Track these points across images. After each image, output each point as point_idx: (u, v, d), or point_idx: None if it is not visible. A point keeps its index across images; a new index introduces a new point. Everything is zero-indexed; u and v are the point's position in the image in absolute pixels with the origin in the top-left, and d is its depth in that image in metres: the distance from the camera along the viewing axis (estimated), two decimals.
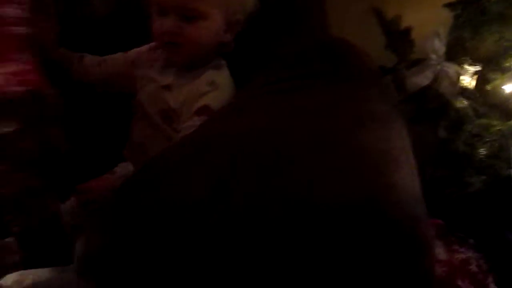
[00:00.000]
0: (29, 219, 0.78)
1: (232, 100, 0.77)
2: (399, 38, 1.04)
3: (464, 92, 0.95)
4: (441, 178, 1.05)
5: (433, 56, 0.98)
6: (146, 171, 0.56)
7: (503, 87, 0.97)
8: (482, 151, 0.96)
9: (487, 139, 0.95)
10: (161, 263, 0.46)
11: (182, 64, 0.86)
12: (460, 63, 0.96)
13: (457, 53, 0.97)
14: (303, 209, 0.45)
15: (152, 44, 0.92)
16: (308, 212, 0.45)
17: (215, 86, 0.82)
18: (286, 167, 0.49)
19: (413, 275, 0.48)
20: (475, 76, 1.00)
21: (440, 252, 0.96)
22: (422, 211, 0.51)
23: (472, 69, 0.95)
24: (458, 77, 0.95)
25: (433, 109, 1.00)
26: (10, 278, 0.69)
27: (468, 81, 0.96)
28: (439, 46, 0.97)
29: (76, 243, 0.56)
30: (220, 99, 0.81)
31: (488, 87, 0.97)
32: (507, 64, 0.97)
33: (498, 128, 0.93)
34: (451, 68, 0.96)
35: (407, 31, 1.05)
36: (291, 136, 0.53)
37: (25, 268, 0.72)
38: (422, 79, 0.98)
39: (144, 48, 0.93)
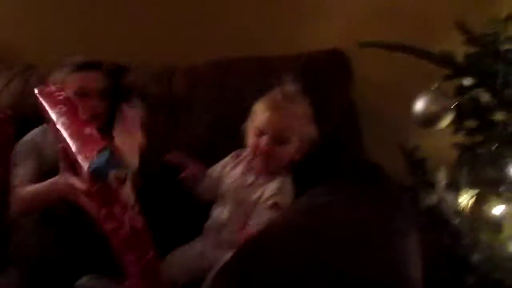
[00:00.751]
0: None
1: (301, 201, 1.11)
2: (416, 165, 1.37)
3: (460, 213, 1.27)
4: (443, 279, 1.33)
5: (438, 185, 1.32)
6: (255, 244, 0.90)
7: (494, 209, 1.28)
8: (476, 257, 1.26)
9: (480, 248, 1.26)
10: None
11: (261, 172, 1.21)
12: (458, 191, 1.29)
13: (456, 183, 1.30)
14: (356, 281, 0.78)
15: (233, 154, 1.29)
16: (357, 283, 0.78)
17: (284, 190, 1.18)
18: (346, 256, 0.82)
19: None
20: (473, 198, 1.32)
21: None
22: None
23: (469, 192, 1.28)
24: (455, 202, 1.28)
25: (438, 222, 1.32)
26: None
27: (466, 201, 1.28)
28: (442, 178, 1.31)
29: None
30: (286, 198, 1.16)
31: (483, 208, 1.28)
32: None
33: (488, 240, 1.24)
34: (450, 195, 1.29)
35: (423, 161, 1.39)
36: (346, 234, 0.88)
37: None
38: (429, 201, 1.30)
39: (228, 158, 1.29)
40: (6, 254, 1.25)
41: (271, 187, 1.17)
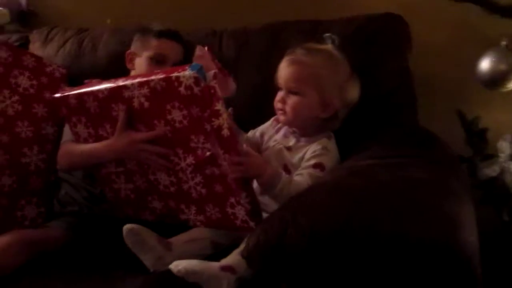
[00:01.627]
0: None
1: (349, 163, 1.06)
2: (476, 136, 1.29)
3: None
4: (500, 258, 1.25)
5: (502, 155, 1.22)
6: (305, 197, 0.87)
7: None
8: None
9: None
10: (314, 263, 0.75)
11: (294, 129, 1.18)
12: None
13: None
14: (404, 241, 0.73)
15: (274, 118, 1.25)
16: (406, 241, 0.73)
17: (327, 150, 1.14)
18: (395, 214, 0.77)
19: None
20: None
21: None
22: (478, 259, 0.75)
23: None
24: None
25: (498, 196, 1.22)
26: (172, 264, 0.95)
27: None
28: (506, 148, 1.22)
29: (250, 237, 0.84)
30: (331, 160, 1.12)
31: None
32: None
33: None
34: None
35: (484, 131, 1.29)
36: (396, 196, 0.82)
37: None
38: (490, 171, 1.22)
39: (269, 122, 1.27)
40: (52, 208, 1.28)
41: (314, 148, 1.14)
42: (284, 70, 1.18)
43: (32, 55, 1.36)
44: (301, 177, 1.07)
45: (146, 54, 1.36)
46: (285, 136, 1.20)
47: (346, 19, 1.40)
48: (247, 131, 1.28)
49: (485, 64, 1.16)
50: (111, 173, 1.19)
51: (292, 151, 1.17)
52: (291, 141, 1.18)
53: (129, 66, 1.42)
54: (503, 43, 1.15)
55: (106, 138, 1.14)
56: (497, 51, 1.15)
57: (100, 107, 1.12)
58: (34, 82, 1.29)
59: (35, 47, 1.66)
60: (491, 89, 1.18)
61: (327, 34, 1.22)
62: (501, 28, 1.18)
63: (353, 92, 1.19)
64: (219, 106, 0.98)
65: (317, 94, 1.14)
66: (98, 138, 1.16)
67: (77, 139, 1.20)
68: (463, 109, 1.36)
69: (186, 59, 1.39)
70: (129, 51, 1.42)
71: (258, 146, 1.24)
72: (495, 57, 1.15)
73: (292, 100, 1.16)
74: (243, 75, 1.39)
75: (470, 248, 0.74)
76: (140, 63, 1.38)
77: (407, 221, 0.76)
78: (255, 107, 1.33)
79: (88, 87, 1.15)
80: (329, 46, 1.21)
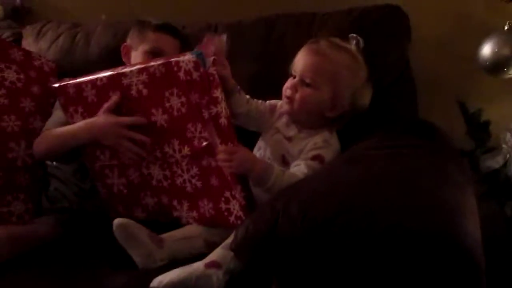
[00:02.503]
0: None
1: (347, 154, 1.02)
2: (478, 128, 1.25)
3: None
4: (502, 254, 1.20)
5: (504, 146, 1.18)
6: (297, 186, 0.83)
7: None
8: None
9: None
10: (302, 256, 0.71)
11: (297, 120, 1.13)
12: None
13: None
14: (401, 230, 0.69)
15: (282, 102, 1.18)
16: (401, 231, 0.68)
17: (328, 144, 1.10)
18: (391, 203, 0.73)
19: None
20: None
21: None
22: (480, 250, 0.71)
23: None
24: None
25: (501, 190, 1.18)
26: (155, 280, 0.90)
27: None
28: (510, 139, 1.18)
29: (238, 228, 0.80)
30: (331, 153, 1.08)
31: None
32: None
33: None
34: None
35: (487, 123, 1.25)
36: (393, 184, 0.78)
37: None
38: (494, 163, 1.18)
39: (275, 102, 1.20)
40: (40, 204, 1.25)
41: (315, 140, 1.10)
42: (304, 58, 1.12)
43: (20, 49, 1.34)
44: (298, 168, 1.04)
45: (142, 47, 1.34)
46: (287, 125, 1.16)
47: (344, 11, 1.36)
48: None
49: (487, 49, 1.12)
50: (104, 167, 1.17)
51: (292, 142, 1.13)
52: (292, 131, 1.14)
53: (124, 59, 1.40)
54: (506, 27, 1.11)
55: None
56: (500, 35, 1.11)
57: (98, 95, 1.10)
58: (22, 76, 1.27)
59: (27, 42, 1.64)
60: (493, 75, 1.14)
61: (353, 35, 1.16)
62: (502, 15, 1.14)
63: (365, 99, 1.14)
64: (218, 93, 0.97)
65: (331, 91, 1.10)
66: None
67: None
68: (465, 102, 1.32)
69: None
70: (125, 44, 1.40)
71: (263, 116, 1.18)
72: (497, 42, 1.11)
73: (303, 90, 1.10)
74: (238, 68, 1.33)
75: (472, 238, 0.70)
76: (136, 57, 1.36)
77: (403, 209, 0.71)
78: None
79: (88, 76, 1.14)
80: (352, 47, 1.15)
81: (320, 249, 0.72)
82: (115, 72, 1.07)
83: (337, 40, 1.15)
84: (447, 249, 0.68)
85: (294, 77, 1.12)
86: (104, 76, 1.09)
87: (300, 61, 1.12)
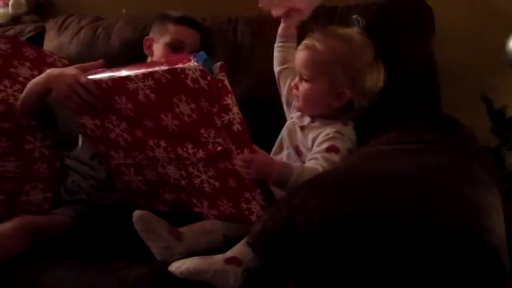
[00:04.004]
0: None
1: (366, 148, 1.00)
2: (504, 125, 1.21)
3: None
4: None
5: None
6: (315, 182, 0.82)
7: None
8: None
9: None
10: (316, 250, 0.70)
11: (308, 113, 1.14)
12: None
13: None
14: (423, 228, 0.67)
15: None
16: (423, 229, 0.67)
17: (341, 134, 1.08)
18: (412, 200, 0.71)
19: None
20: None
21: None
22: (505, 249, 0.68)
23: None
24: None
25: None
26: (174, 265, 0.91)
27: None
28: None
29: (256, 223, 0.79)
30: (345, 144, 1.06)
31: None
32: None
33: None
34: None
35: None
36: (414, 180, 0.76)
37: None
38: None
39: None
40: (59, 194, 1.26)
41: (327, 131, 1.09)
42: (298, 55, 1.14)
43: (32, 46, 1.38)
44: (316, 162, 1.02)
45: (163, 40, 1.34)
46: (301, 115, 1.17)
47: (366, 4, 1.33)
48: (259, 115, 1.23)
49: None
50: (120, 165, 1.16)
51: (305, 131, 1.13)
52: (306, 121, 1.15)
53: (147, 52, 1.40)
54: None
55: (113, 130, 1.10)
56: None
57: (104, 98, 1.07)
58: (35, 72, 1.30)
59: (50, 36, 1.66)
60: None
61: (354, 16, 1.15)
62: None
63: (371, 79, 1.11)
64: (229, 100, 0.91)
65: (327, 82, 1.09)
66: (105, 130, 1.12)
67: (84, 130, 1.17)
68: (490, 98, 1.28)
69: (204, 47, 1.36)
70: (147, 37, 1.40)
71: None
72: None
73: (303, 87, 1.12)
74: (258, 63, 1.35)
75: (497, 237, 0.67)
76: (157, 49, 1.36)
77: (425, 206, 0.69)
78: (271, 93, 1.28)
79: (94, 74, 1.10)
80: (351, 30, 1.14)
81: (338, 247, 0.70)
82: (119, 76, 1.02)
83: (330, 29, 1.15)
84: (470, 247, 0.66)
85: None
86: (109, 79, 1.04)
87: (296, 58, 1.14)
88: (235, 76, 1.39)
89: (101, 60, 1.13)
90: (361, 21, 1.14)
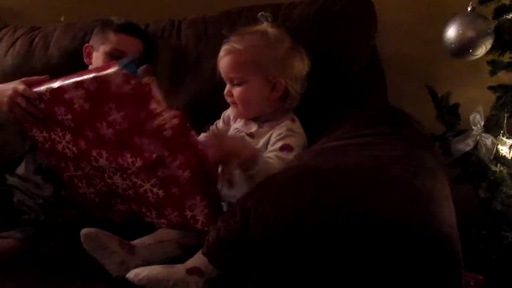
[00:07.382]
0: None
1: (317, 145, 1.01)
2: (448, 112, 1.24)
3: (500, 158, 1.14)
4: (481, 235, 1.21)
5: (474, 128, 1.18)
6: (267, 183, 0.81)
7: None
8: None
9: None
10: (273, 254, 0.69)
11: (253, 118, 1.13)
12: (497, 135, 1.15)
13: (494, 126, 1.16)
14: (376, 221, 0.67)
15: None
16: (377, 222, 0.67)
17: (293, 132, 1.08)
18: (365, 194, 0.72)
19: (447, 278, 0.67)
20: None
21: None
22: (456, 236, 0.70)
23: (509, 141, 1.14)
24: (494, 146, 1.14)
25: (474, 172, 1.19)
26: (132, 272, 0.89)
27: (506, 151, 1.14)
28: (479, 120, 1.18)
29: (210, 231, 0.77)
30: (298, 141, 1.07)
31: None
32: None
33: None
34: (488, 138, 1.16)
35: (456, 106, 1.25)
36: (366, 175, 0.77)
37: None
38: (464, 146, 1.18)
39: (230, 109, 1.21)
40: (5, 217, 1.20)
41: (278, 131, 1.08)
42: (221, 63, 1.13)
43: None
44: (270, 161, 1.01)
45: (103, 48, 1.30)
46: (246, 124, 1.15)
47: (308, 1, 1.34)
48: (209, 118, 1.22)
49: (451, 32, 1.11)
50: (72, 176, 1.12)
51: (255, 138, 1.11)
52: (253, 128, 1.13)
53: (86, 60, 1.35)
54: (469, 8, 1.10)
55: (59, 142, 1.06)
56: (463, 17, 1.10)
57: (48, 110, 1.02)
58: None
59: None
60: (459, 57, 1.13)
61: (260, 13, 1.18)
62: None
63: (298, 64, 1.13)
64: (155, 105, 0.88)
65: (260, 76, 1.10)
66: (53, 143, 1.08)
67: (36, 143, 1.12)
68: (433, 86, 1.32)
69: (147, 54, 1.34)
70: (86, 44, 1.35)
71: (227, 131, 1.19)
72: (461, 24, 1.10)
73: (237, 91, 1.11)
74: (204, 64, 1.33)
75: (447, 224, 0.69)
76: (97, 58, 1.32)
77: (377, 200, 0.70)
78: (217, 95, 1.26)
79: (39, 87, 1.05)
80: (263, 26, 1.16)
81: (295, 247, 0.70)
82: (55, 87, 0.99)
83: (244, 29, 1.16)
84: (422, 237, 0.67)
85: (227, 83, 1.14)
86: (47, 90, 1.01)
87: (220, 65, 1.13)
88: (182, 80, 1.40)
89: (46, 75, 1.08)
90: (268, 17, 1.16)
